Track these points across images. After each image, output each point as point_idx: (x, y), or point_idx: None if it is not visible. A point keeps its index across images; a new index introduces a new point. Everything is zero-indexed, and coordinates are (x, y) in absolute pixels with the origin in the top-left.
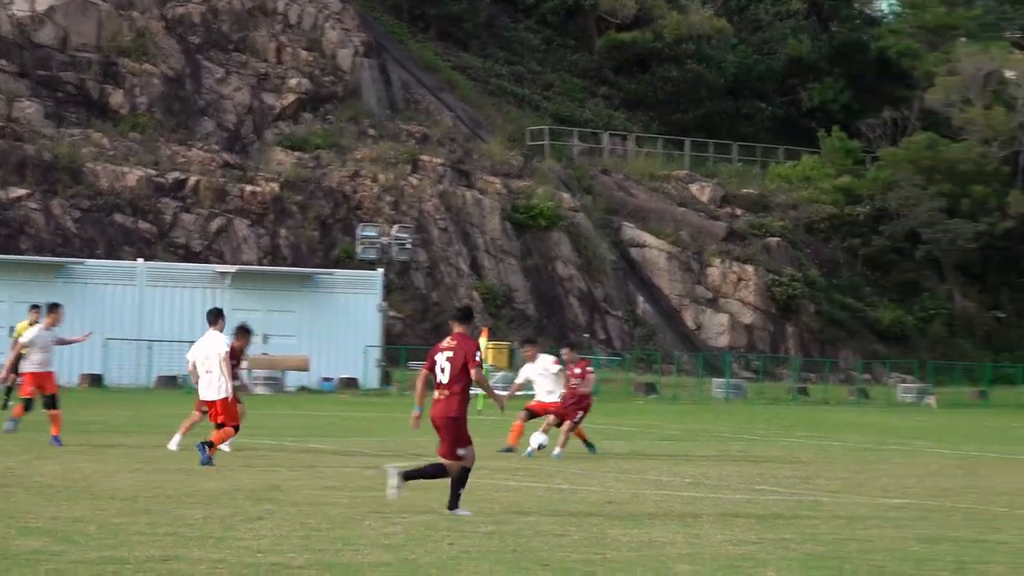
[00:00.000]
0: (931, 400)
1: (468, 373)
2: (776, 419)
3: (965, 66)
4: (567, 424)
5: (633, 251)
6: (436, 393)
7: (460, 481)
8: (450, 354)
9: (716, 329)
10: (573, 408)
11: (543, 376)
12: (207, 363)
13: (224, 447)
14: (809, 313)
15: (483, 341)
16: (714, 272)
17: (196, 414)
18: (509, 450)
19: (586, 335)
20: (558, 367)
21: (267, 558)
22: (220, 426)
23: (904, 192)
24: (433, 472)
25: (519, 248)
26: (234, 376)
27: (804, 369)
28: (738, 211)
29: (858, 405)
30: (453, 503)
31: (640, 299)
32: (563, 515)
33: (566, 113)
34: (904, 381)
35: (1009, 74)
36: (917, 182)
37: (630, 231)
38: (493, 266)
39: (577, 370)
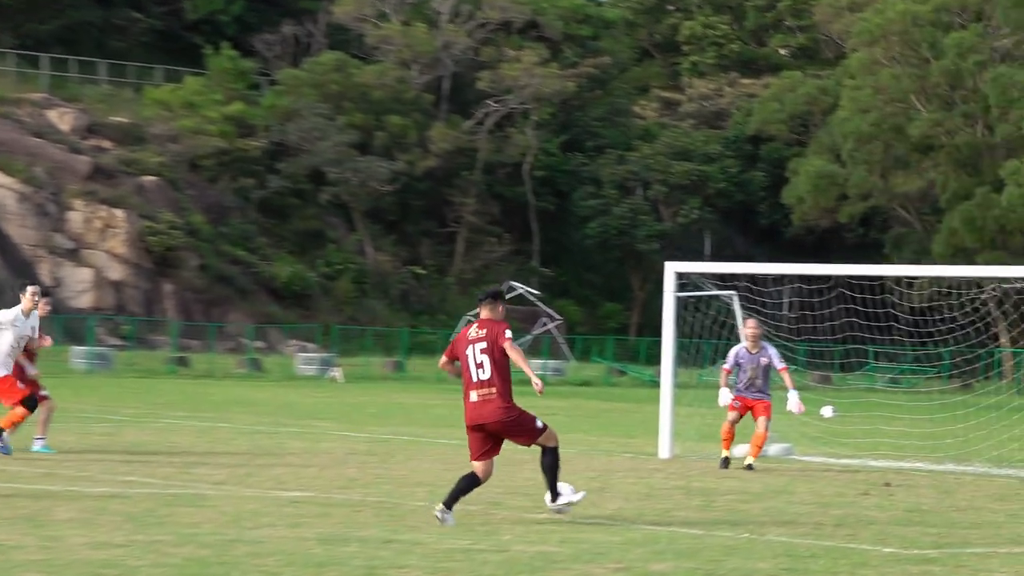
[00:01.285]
0: (336, 373)
1: (506, 357)
2: (150, 395)
3: None
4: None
5: None
6: (475, 395)
7: (554, 468)
8: (484, 345)
9: (78, 286)
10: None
11: None
12: None
13: None
14: (192, 268)
15: None
16: (76, 217)
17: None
18: None
19: None
20: None
21: None
22: None
23: (307, 123)
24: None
25: None
26: None
27: (185, 335)
28: (106, 143)
29: (250, 379)
30: (555, 492)
31: None
32: None
33: None
34: (304, 350)
35: None
36: (322, 111)
37: None
38: None
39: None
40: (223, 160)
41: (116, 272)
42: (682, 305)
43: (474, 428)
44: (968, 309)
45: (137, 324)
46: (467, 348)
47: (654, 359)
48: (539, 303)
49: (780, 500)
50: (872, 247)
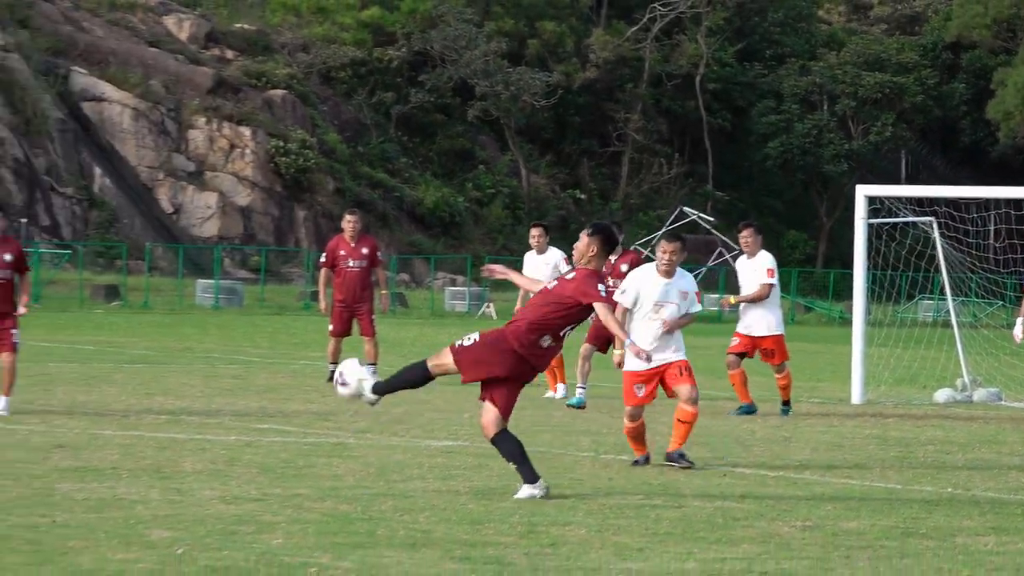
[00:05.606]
0: (490, 309)
1: None
2: (283, 334)
3: None
4: None
5: (87, 106)
6: None
7: None
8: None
9: (201, 213)
10: None
11: None
12: None
13: None
14: (327, 192)
15: None
16: (198, 136)
17: None
18: None
19: (23, 220)
20: None
21: None
22: None
23: (452, 30)
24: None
25: None
26: None
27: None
28: (230, 53)
29: (393, 315)
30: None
31: (97, 172)
32: None
33: None
34: (454, 283)
35: None
36: (469, 17)
37: (82, 79)
38: None
39: None
40: (359, 72)
41: (243, 197)
42: (875, 233)
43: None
44: None
45: (268, 255)
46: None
47: (843, 294)
48: (714, 231)
49: (987, 451)
50: None
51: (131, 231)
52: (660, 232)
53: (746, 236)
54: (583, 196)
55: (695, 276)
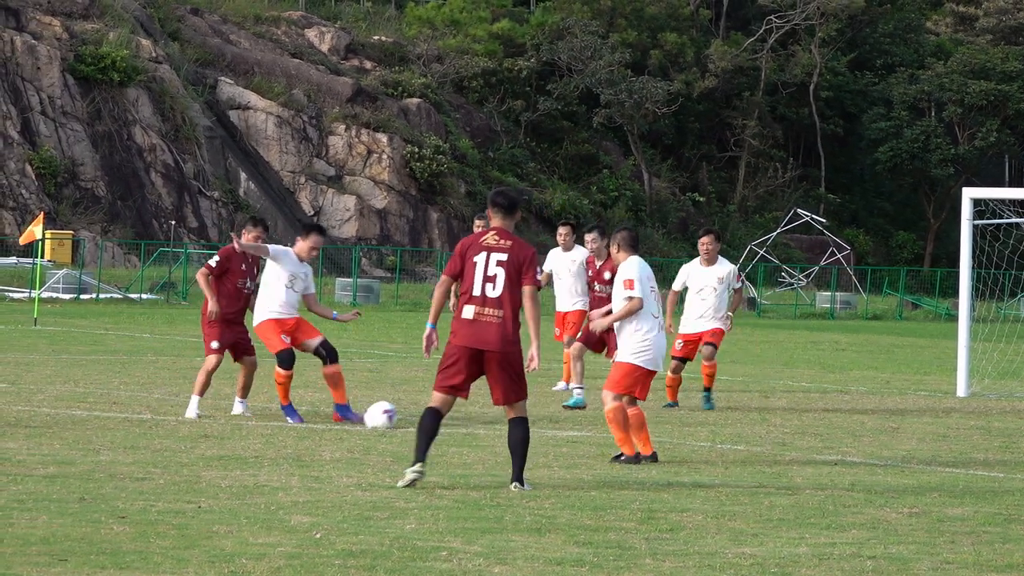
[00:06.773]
0: None
1: (519, 289)
2: (417, 329)
3: None
4: None
5: (233, 114)
6: (472, 311)
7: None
8: (502, 257)
9: (340, 215)
10: None
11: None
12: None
13: None
14: (459, 195)
15: (38, 229)
16: (338, 142)
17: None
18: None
19: (173, 222)
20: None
21: None
22: None
23: (578, 41)
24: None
25: (85, 109)
26: None
27: None
28: (368, 64)
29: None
30: (522, 478)
31: (243, 176)
32: (145, 452)
33: None
34: None
35: None
36: (594, 29)
37: (229, 88)
38: (51, 132)
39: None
40: (490, 81)
41: (380, 200)
42: (979, 234)
43: (467, 356)
44: None
45: (403, 254)
46: (476, 255)
47: (949, 291)
48: (826, 232)
49: None
50: None
51: (274, 232)
52: (775, 233)
53: (707, 243)
54: (702, 199)
55: (807, 276)
